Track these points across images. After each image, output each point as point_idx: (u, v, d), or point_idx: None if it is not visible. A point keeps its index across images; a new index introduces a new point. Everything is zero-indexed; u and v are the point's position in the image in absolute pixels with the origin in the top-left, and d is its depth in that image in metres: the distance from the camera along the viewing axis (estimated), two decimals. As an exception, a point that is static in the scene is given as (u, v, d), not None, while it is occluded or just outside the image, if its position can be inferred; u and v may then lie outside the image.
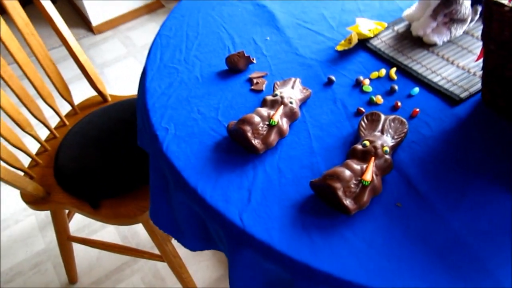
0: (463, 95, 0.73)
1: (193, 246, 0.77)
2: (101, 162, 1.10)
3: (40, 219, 1.66)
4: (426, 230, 0.58)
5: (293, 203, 0.62)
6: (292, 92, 0.74)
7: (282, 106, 0.70)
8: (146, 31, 2.44)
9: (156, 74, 0.86)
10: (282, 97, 0.71)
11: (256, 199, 0.63)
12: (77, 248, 1.52)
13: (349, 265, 0.55)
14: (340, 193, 0.58)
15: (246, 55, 0.83)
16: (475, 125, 0.70)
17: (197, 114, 0.77)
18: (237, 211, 0.62)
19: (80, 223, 1.62)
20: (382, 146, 0.62)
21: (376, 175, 0.60)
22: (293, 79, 0.78)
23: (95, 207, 1.07)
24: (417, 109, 0.72)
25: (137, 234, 1.57)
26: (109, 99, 1.37)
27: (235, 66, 0.83)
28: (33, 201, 1.13)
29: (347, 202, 0.58)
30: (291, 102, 0.71)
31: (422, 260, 0.55)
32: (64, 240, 1.30)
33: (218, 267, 1.45)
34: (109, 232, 1.59)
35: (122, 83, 2.16)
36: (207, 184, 0.66)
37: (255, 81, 0.82)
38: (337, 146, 0.69)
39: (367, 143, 0.63)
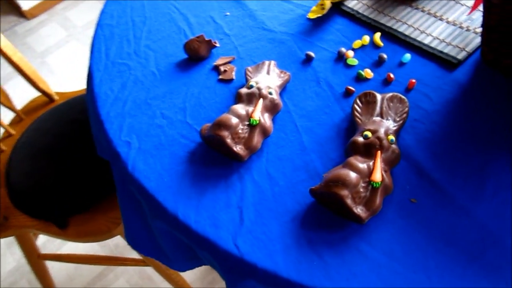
0: (460, 56, 0.65)
1: (181, 267, 0.68)
2: (60, 174, 0.97)
3: (4, 235, 1.52)
4: (450, 228, 0.50)
5: (293, 216, 0.53)
6: (269, 79, 0.63)
7: (261, 99, 0.60)
8: (84, 9, 2.21)
9: (104, 74, 0.73)
10: (259, 88, 0.60)
11: (249, 218, 0.54)
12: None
13: (371, 284, 0.47)
14: (348, 201, 0.49)
15: (207, 38, 0.71)
16: (480, 90, 0.62)
17: (161, 119, 0.65)
18: (230, 236, 0.53)
19: (50, 234, 1.49)
20: (387, 134, 0.54)
21: (385, 171, 0.52)
22: (267, 62, 0.67)
23: (63, 227, 0.96)
24: (413, 80, 0.63)
25: (114, 235, 1.47)
26: (56, 97, 1.21)
27: (196, 54, 0.71)
28: (-10, 229, 1.00)
29: (358, 210, 0.49)
30: (270, 93, 0.61)
31: (452, 265, 0.48)
32: (35, 260, 1.19)
33: (206, 256, 1.37)
34: (83, 238, 1.47)
35: (68, 70, 1.97)
36: (189, 207, 0.56)
37: (222, 69, 0.70)
38: (331, 137, 0.60)
39: (368, 134, 0.54)
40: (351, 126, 0.60)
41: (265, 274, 0.50)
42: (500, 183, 0.53)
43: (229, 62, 0.71)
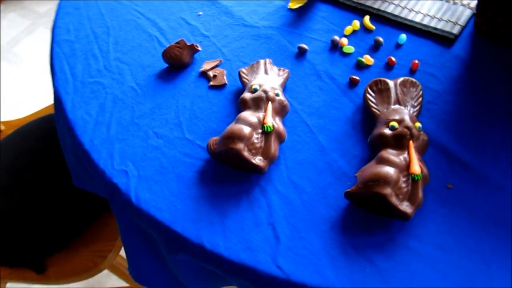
0: (455, 31, 0.64)
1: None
2: (28, 212, 0.86)
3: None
4: (493, 208, 0.49)
5: (331, 224, 0.50)
6: (270, 80, 0.59)
7: (269, 103, 0.55)
8: (5, 25, 2.01)
9: (75, 97, 0.64)
10: (265, 91, 0.56)
11: (285, 234, 0.49)
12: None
13: (431, 281, 0.45)
14: (393, 199, 0.46)
15: (188, 43, 0.65)
16: (482, 62, 0.61)
17: (156, 139, 0.59)
18: (269, 258, 0.48)
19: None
20: (413, 122, 0.51)
21: (420, 160, 0.49)
22: (262, 61, 0.62)
23: (41, 271, 0.86)
24: (416, 61, 0.61)
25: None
26: (2, 128, 1.09)
27: (179, 61, 0.65)
28: (-46, 289, 0.87)
29: (404, 207, 0.46)
30: (277, 94, 0.56)
31: (506, 248, 0.46)
32: (7, 310, 1.06)
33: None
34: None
35: (3, 95, 1.78)
36: (214, 233, 0.50)
37: (211, 74, 0.64)
38: (348, 132, 0.57)
39: (395, 124, 0.51)
40: (366, 117, 0.57)
41: (317, 292, 0.46)
42: (528, 154, 0.52)
43: (216, 66, 0.65)
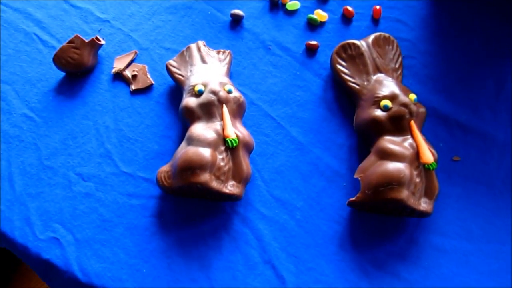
0: (409, -41, 0.53)
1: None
2: None
3: None
4: (507, 174, 0.43)
5: (338, 241, 0.41)
6: (213, 71, 0.45)
7: (224, 106, 0.42)
8: None
9: None
10: (214, 92, 0.42)
11: (288, 270, 0.39)
12: None
13: (468, 278, 0.39)
14: (412, 201, 0.37)
15: (86, 39, 0.48)
16: (446, -7, 0.52)
17: (82, 182, 0.44)
18: (278, 307, 0.38)
19: None
20: (407, 94, 0.41)
21: (426, 142, 0.40)
22: (193, 46, 0.47)
23: None
24: (377, 6, 0.50)
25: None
26: None
27: (80, 66, 0.48)
28: None
29: (423, 205, 0.38)
30: (229, 91, 0.43)
31: (534, 218, 0.41)
32: None
33: None
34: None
35: None
36: (202, 293, 0.39)
37: (129, 74, 0.48)
38: (323, 116, 0.46)
39: (388, 103, 0.41)
40: (340, 92, 0.47)
41: (348, 333, 0.38)
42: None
43: (132, 61, 0.49)
